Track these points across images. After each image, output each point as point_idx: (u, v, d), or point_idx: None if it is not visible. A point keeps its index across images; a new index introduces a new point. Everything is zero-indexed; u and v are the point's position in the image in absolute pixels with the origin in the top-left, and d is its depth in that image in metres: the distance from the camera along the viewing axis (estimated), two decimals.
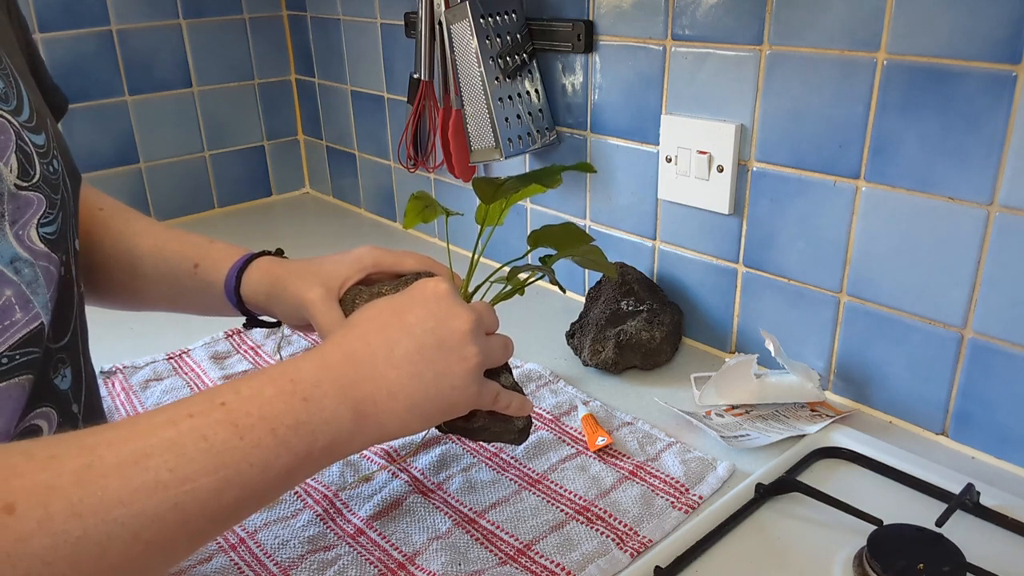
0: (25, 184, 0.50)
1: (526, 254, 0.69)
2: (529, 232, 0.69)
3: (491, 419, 0.65)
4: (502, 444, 0.79)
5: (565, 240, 0.67)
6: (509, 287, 0.67)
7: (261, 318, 0.72)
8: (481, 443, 0.80)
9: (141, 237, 0.71)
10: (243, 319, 0.72)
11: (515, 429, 0.67)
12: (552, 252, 0.67)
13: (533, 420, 0.84)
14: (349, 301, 0.67)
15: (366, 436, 0.53)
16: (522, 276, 0.67)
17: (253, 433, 0.45)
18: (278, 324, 0.73)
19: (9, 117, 0.50)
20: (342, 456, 0.53)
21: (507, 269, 0.67)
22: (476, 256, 0.66)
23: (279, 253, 0.73)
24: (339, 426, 0.50)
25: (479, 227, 0.67)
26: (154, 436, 0.42)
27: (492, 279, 0.67)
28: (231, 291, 0.69)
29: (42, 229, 0.51)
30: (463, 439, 0.81)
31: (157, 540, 0.40)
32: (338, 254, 0.70)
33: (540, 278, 0.65)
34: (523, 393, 0.66)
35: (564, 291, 0.67)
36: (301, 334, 1.03)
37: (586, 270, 1.10)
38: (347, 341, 0.53)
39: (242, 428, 0.44)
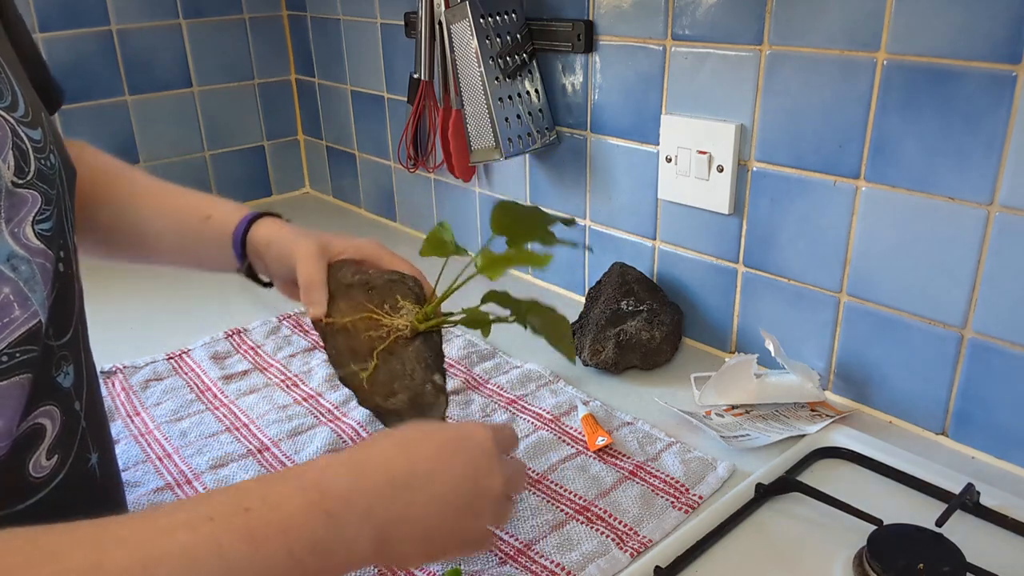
0: (21, 181, 0.50)
1: (491, 240, 0.66)
2: (492, 208, 0.67)
3: (410, 407, 0.65)
4: None
5: (527, 226, 0.66)
6: (463, 316, 0.68)
7: (260, 276, 0.75)
8: None
9: (149, 196, 0.74)
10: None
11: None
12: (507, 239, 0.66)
13: (530, 420, 0.84)
14: (336, 268, 0.70)
15: (379, 560, 0.53)
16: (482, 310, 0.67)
17: (269, 546, 0.43)
18: (270, 285, 0.76)
19: (4, 114, 0.50)
20: (352, 571, 0.51)
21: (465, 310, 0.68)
22: (441, 297, 0.68)
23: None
24: (358, 548, 0.47)
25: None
26: (169, 540, 0.40)
27: (455, 319, 0.68)
28: (238, 240, 0.72)
29: (38, 226, 0.51)
30: None
31: None
32: (343, 234, 0.73)
33: (505, 319, 0.66)
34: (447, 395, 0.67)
35: (486, 335, 0.68)
36: (291, 326, 1.03)
37: (586, 270, 1.10)
38: (394, 460, 0.50)
39: (259, 540, 0.42)
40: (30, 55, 0.62)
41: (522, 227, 0.66)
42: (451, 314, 0.68)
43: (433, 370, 0.66)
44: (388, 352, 0.66)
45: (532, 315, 0.65)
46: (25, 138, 0.51)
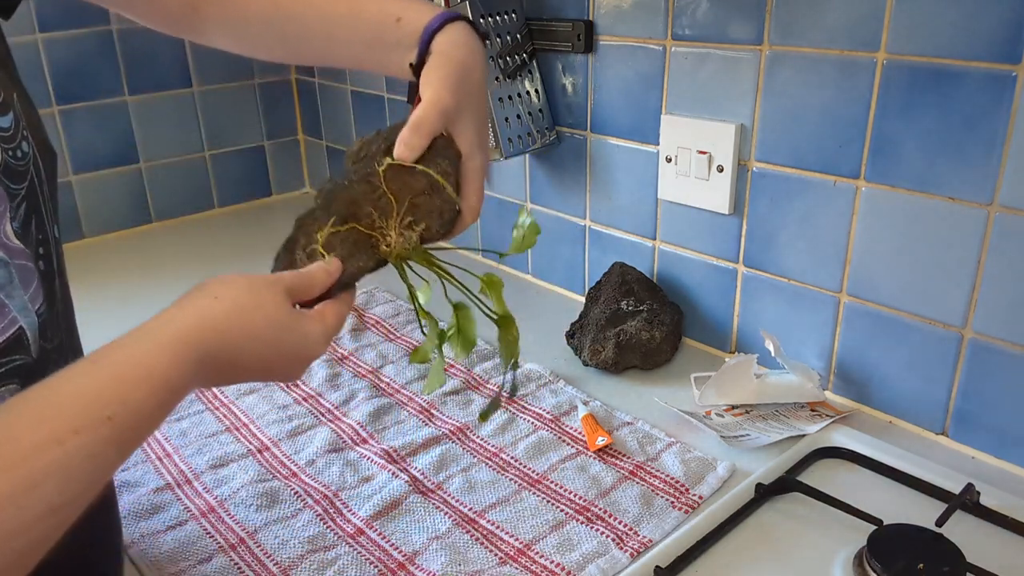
0: None
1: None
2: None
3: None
4: (502, 444, 0.80)
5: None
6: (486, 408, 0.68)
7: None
8: (481, 443, 0.80)
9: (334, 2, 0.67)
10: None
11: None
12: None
13: (530, 420, 0.84)
14: (361, 143, 0.62)
15: None
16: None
17: (129, 446, 0.45)
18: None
19: None
20: None
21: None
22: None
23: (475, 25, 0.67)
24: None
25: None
26: (41, 459, 0.40)
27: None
28: (423, 48, 0.63)
29: (15, 223, 0.48)
30: (463, 440, 0.81)
31: (46, 547, 0.41)
32: (473, 111, 0.62)
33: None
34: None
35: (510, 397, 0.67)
36: None
37: (586, 270, 1.10)
38: (223, 360, 0.51)
39: (123, 444, 0.45)
40: None
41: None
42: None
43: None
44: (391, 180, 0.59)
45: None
46: None
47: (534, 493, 0.73)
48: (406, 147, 0.58)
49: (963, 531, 0.64)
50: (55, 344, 0.53)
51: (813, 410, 0.83)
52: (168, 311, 0.50)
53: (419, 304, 0.66)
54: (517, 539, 0.67)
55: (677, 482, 0.73)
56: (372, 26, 0.66)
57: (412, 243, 0.60)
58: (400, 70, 0.65)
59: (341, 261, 0.58)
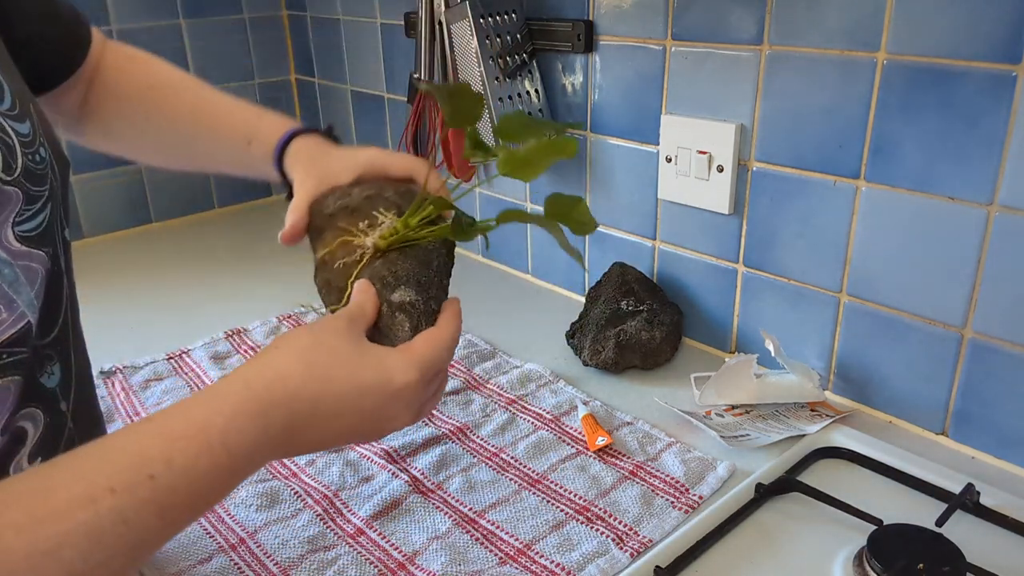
0: (8, 178, 0.47)
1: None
2: (499, 119, 0.61)
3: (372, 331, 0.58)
4: (502, 444, 0.80)
5: (534, 130, 0.59)
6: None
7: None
8: (482, 443, 0.80)
9: (193, 117, 0.72)
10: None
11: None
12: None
13: (530, 420, 0.84)
14: (318, 203, 0.65)
15: None
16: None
17: (175, 512, 0.41)
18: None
19: None
20: None
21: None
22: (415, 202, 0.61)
23: (329, 130, 0.72)
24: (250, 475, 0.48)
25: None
26: (70, 519, 0.37)
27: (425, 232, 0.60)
28: (277, 166, 0.69)
29: (18, 227, 0.48)
30: (463, 440, 0.81)
31: None
32: (350, 150, 0.68)
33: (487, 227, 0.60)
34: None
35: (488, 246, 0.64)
36: (291, 326, 1.03)
37: (586, 270, 1.10)
38: (298, 398, 0.48)
39: (166, 509, 0.41)
40: (42, 13, 0.61)
41: (530, 131, 0.59)
42: (436, 223, 0.61)
43: (392, 288, 0.57)
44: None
45: (553, 216, 0.59)
46: (12, 133, 0.48)
47: (534, 493, 0.73)
48: (287, 234, 0.64)
49: (963, 531, 0.64)
50: (47, 340, 0.53)
51: (813, 410, 0.83)
52: (237, 368, 0.48)
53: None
54: (517, 539, 0.67)
55: (677, 482, 0.73)
56: (229, 146, 0.71)
57: (384, 233, 0.60)
58: (269, 177, 0.71)
59: (369, 280, 0.57)
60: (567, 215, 0.60)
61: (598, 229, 1.07)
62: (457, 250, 0.65)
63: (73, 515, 0.38)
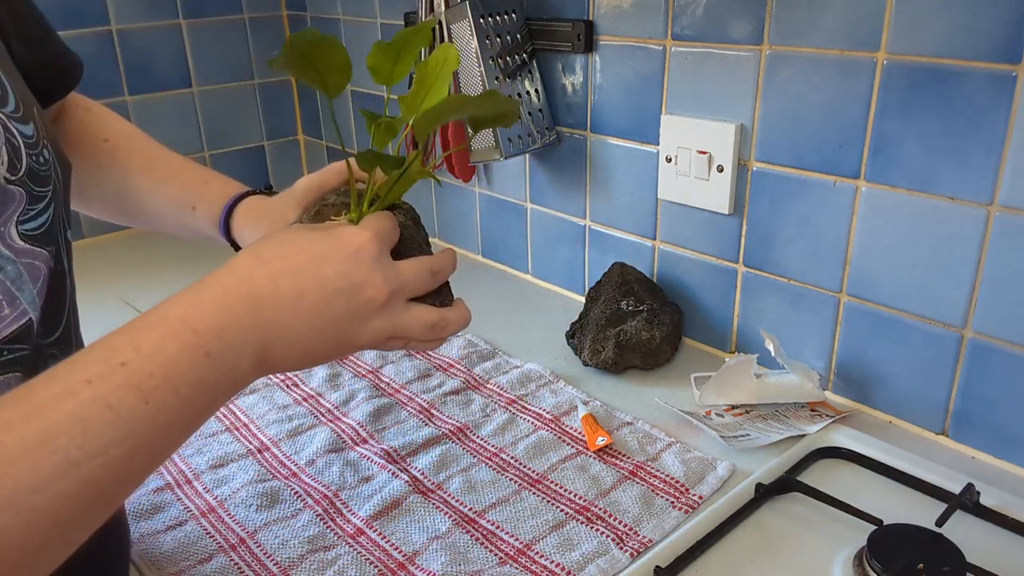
0: (13, 178, 0.48)
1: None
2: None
3: None
4: (502, 444, 0.80)
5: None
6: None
7: None
8: (482, 443, 0.80)
9: (143, 175, 0.74)
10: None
11: None
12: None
13: (530, 420, 0.84)
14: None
15: (260, 376, 0.52)
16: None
17: (158, 395, 0.43)
18: None
19: None
20: (240, 389, 0.51)
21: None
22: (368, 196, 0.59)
23: (268, 189, 0.74)
24: (239, 375, 0.48)
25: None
26: (55, 411, 0.39)
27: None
28: (224, 232, 0.72)
29: (22, 226, 0.50)
30: (463, 440, 0.81)
31: (76, 516, 0.39)
32: (286, 191, 0.70)
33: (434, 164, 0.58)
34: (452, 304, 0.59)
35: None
36: None
37: (586, 270, 1.10)
38: (254, 279, 0.49)
39: (146, 391, 0.42)
40: (35, 37, 0.61)
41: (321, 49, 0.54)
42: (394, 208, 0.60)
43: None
44: None
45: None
46: (17, 134, 0.50)
47: (534, 493, 0.73)
48: None
49: (963, 531, 0.64)
50: (51, 339, 0.54)
51: (813, 410, 0.83)
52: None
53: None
54: (517, 539, 0.67)
55: (677, 482, 0.73)
56: (175, 209, 0.73)
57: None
58: (215, 241, 0.73)
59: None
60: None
61: (598, 229, 1.07)
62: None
63: (56, 407, 0.39)
